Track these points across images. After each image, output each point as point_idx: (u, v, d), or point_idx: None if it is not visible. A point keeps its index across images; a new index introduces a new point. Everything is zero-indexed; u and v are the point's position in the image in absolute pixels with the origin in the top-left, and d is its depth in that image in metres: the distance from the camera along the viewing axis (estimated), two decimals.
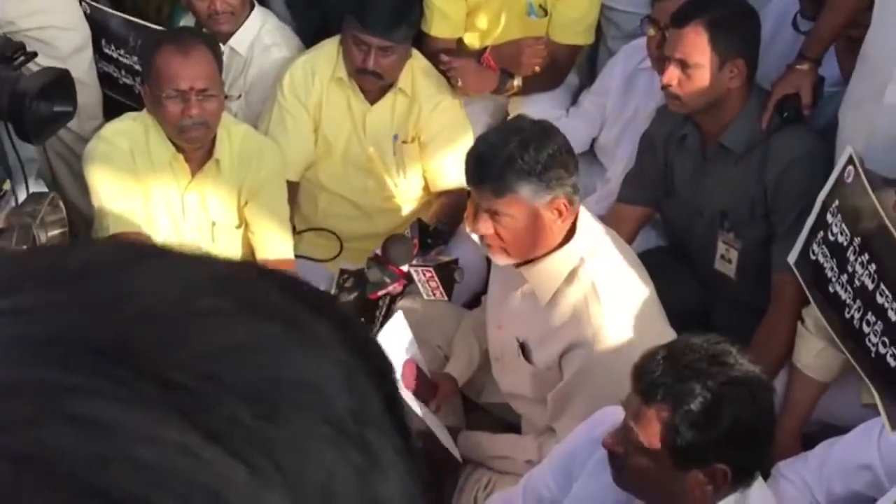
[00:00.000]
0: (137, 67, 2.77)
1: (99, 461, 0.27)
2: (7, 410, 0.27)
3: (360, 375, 0.32)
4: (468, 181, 2.05)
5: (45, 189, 2.64)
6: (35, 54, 2.10)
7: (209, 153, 2.46)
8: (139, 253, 0.33)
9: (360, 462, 0.30)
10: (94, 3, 2.92)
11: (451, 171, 2.80)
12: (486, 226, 1.99)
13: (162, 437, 0.28)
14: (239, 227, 2.57)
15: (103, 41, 2.92)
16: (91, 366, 0.28)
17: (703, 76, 2.31)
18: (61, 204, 2.21)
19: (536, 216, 1.95)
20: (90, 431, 0.27)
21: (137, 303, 0.30)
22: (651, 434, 1.47)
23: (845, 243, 2.04)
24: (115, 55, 2.93)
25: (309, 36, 2.93)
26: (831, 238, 2.10)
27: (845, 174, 2.07)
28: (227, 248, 2.51)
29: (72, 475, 0.27)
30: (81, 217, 2.76)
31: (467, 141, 2.82)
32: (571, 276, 1.98)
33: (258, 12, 2.84)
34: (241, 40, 2.82)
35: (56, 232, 2.17)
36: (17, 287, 0.31)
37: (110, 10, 2.92)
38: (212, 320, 0.31)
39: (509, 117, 2.97)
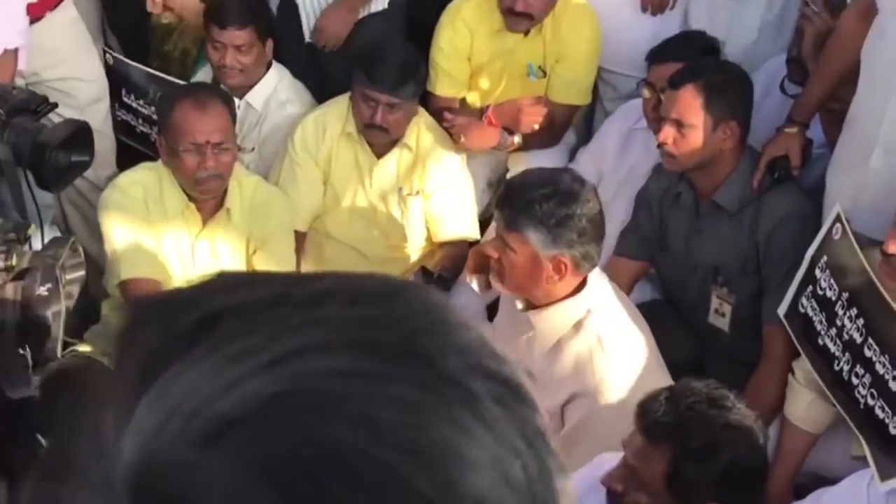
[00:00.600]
0: (155, 117, 2.86)
1: (415, 427, 0.39)
2: (348, 388, 0.40)
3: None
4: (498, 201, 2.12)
5: (58, 234, 2.71)
6: (56, 105, 2.19)
7: (220, 203, 2.54)
8: (398, 285, 0.45)
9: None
10: (116, 55, 3.03)
11: (452, 223, 2.89)
12: (494, 249, 2.06)
13: (451, 416, 0.40)
14: None
15: (123, 91, 3.03)
16: (398, 362, 0.41)
17: (697, 136, 2.42)
18: (80, 248, 2.29)
19: (537, 263, 2.00)
20: (404, 408, 0.40)
21: (415, 320, 0.43)
22: (652, 472, 1.53)
23: (833, 298, 2.13)
24: (134, 105, 3.03)
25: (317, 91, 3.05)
26: (820, 292, 2.19)
27: (833, 231, 2.16)
28: None
29: (394, 438, 0.39)
30: (91, 262, 2.83)
31: (468, 194, 2.93)
32: (577, 326, 2.03)
33: (275, 70, 2.95)
34: (256, 96, 2.93)
35: (76, 275, 2.23)
36: (320, 302, 0.42)
37: (131, 63, 3.02)
38: (463, 332, 0.43)
39: (509, 173, 3.08)
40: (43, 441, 1.71)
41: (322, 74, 3.04)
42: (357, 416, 0.39)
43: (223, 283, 0.45)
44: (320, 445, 0.38)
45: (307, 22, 2.96)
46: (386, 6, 2.98)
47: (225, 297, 0.43)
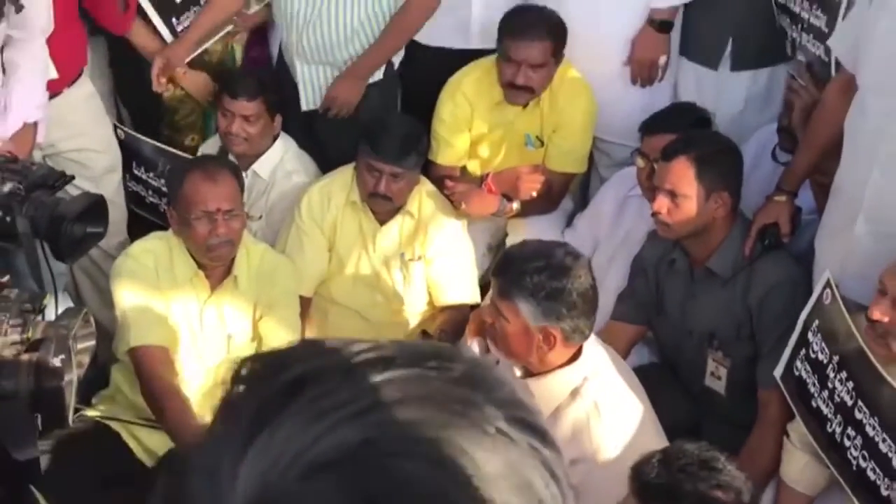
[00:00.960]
0: (164, 189, 2.96)
1: (470, 466, 0.51)
2: (420, 434, 0.52)
3: None
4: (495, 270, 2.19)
5: (70, 302, 2.78)
6: (73, 178, 2.27)
7: (228, 270, 2.61)
8: (447, 350, 0.57)
9: None
10: (127, 130, 3.15)
11: (453, 288, 2.96)
12: (489, 314, 2.12)
13: (499, 458, 0.52)
14: (253, 340, 2.70)
15: (134, 164, 3.14)
16: (456, 413, 0.53)
17: (690, 206, 2.50)
18: (91, 319, 2.35)
19: (527, 333, 2.05)
20: (461, 452, 0.51)
21: (464, 378, 0.55)
22: None
23: (825, 361, 2.19)
24: (144, 177, 3.14)
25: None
26: (812, 355, 2.25)
27: (824, 297, 2.23)
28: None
29: (456, 474, 0.50)
30: (100, 328, 2.89)
31: (469, 259, 3.00)
32: (574, 394, 2.08)
33: (282, 141, 3.06)
34: (264, 166, 3.03)
35: (87, 344, 2.28)
36: (389, 364, 0.54)
37: (142, 137, 3.14)
38: (502, 387, 0.56)
39: (508, 238, 3.16)
40: (40, 497, 1.77)
41: (318, 143, 3.13)
42: (427, 457, 0.51)
43: (301, 352, 0.57)
44: (401, 480, 0.50)
45: (304, 91, 3.05)
46: (381, 77, 3.08)
47: (304, 365, 0.55)
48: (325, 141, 3.11)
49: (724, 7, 2.98)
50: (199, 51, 3.14)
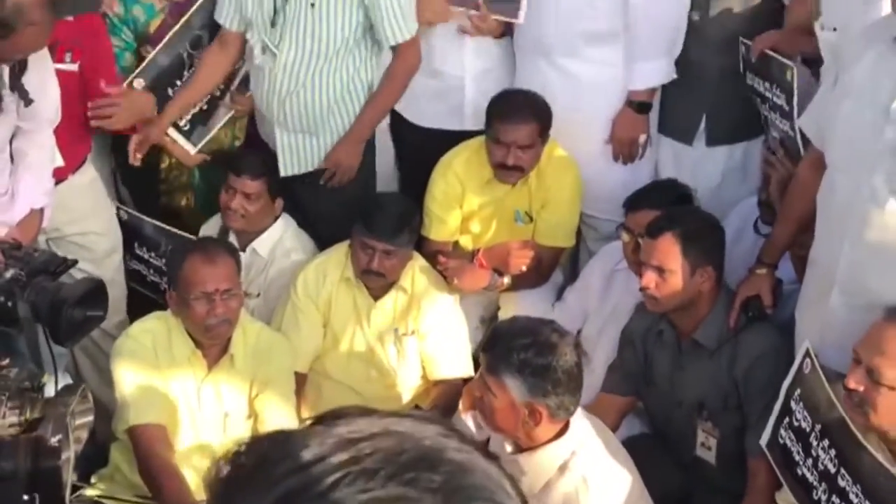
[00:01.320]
0: (165, 268, 3.03)
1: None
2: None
3: None
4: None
5: (69, 380, 2.83)
6: (75, 262, 2.34)
7: (225, 348, 2.67)
8: (433, 451, 0.61)
9: None
10: (129, 211, 3.23)
11: (447, 362, 3.02)
12: (477, 388, 2.17)
13: None
14: (249, 417, 2.74)
15: (136, 244, 3.22)
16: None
17: (677, 281, 2.57)
18: (90, 395, 2.40)
19: (513, 407, 2.10)
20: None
21: (445, 480, 0.60)
22: None
23: (808, 429, 2.23)
24: (146, 256, 3.22)
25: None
26: (796, 424, 2.29)
27: (804, 366, 2.28)
28: (238, 439, 2.67)
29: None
30: (100, 406, 2.93)
31: (462, 334, 3.06)
32: (563, 468, 2.11)
33: (282, 220, 3.14)
34: (263, 244, 3.11)
35: (84, 420, 2.31)
36: (372, 478, 0.58)
37: (144, 218, 3.22)
38: (483, 489, 0.60)
39: (500, 311, 3.23)
40: None
41: (298, 208, 3.20)
42: None
43: (280, 470, 0.60)
44: None
45: (283, 158, 3.09)
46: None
47: (282, 487, 0.58)
48: (305, 206, 3.18)
49: (697, 86, 3.10)
50: (207, 139, 3.23)
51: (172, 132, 3.17)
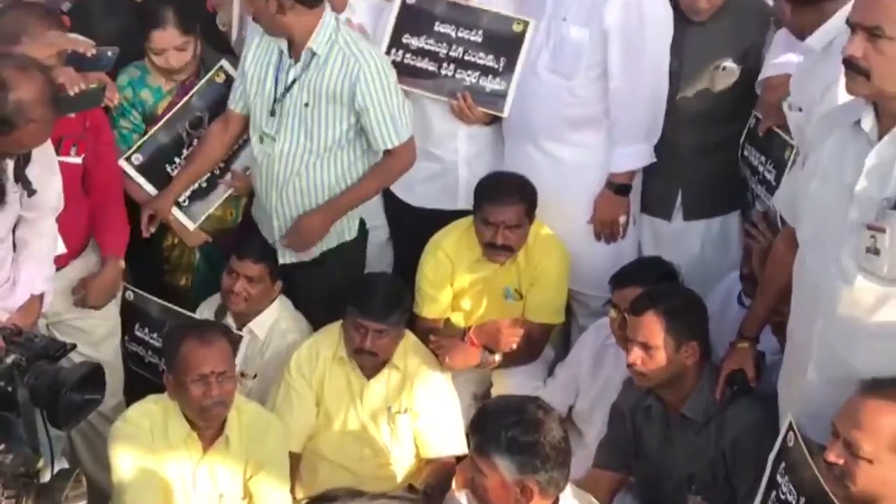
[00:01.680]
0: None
1: None
2: None
3: None
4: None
5: (66, 463, 2.85)
6: (74, 346, 2.39)
7: (220, 430, 2.71)
8: None
9: None
10: (137, 291, 3.27)
11: (440, 441, 3.05)
12: (468, 469, 2.20)
13: None
14: (244, 498, 2.77)
15: (137, 324, 3.27)
16: None
17: (662, 357, 2.62)
18: (83, 479, 2.42)
19: (505, 486, 2.14)
20: None
21: None
22: None
23: (793, 502, 2.25)
24: (146, 338, 3.27)
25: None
26: (782, 497, 2.31)
27: (788, 439, 2.31)
28: None
29: None
30: (96, 489, 2.95)
31: (455, 411, 3.10)
32: None
33: (279, 302, 3.21)
34: (261, 325, 3.18)
35: None
36: None
37: (151, 297, 3.26)
38: None
39: (492, 389, 3.27)
40: None
41: (293, 293, 3.25)
42: None
43: None
44: None
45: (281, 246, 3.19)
46: (354, 236, 3.20)
47: None
48: (300, 289, 3.25)
49: (672, 163, 3.22)
50: (206, 215, 3.31)
51: (172, 208, 3.26)
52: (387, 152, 3.06)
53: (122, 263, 3.07)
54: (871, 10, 1.93)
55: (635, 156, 3.20)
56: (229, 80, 3.24)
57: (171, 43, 3.17)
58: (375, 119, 2.98)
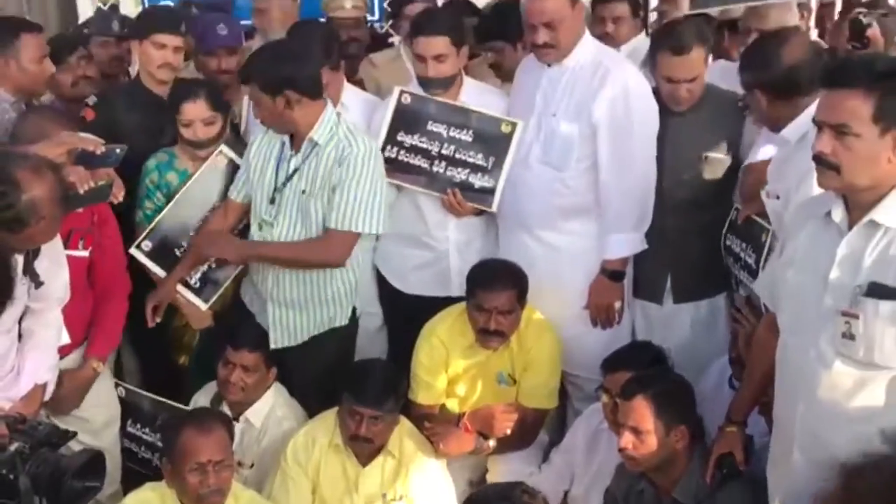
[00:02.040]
0: (158, 444, 3.11)
1: None
2: None
3: None
4: None
5: None
6: (75, 434, 2.43)
7: None
8: None
9: None
10: (128, 387, 3.35)
11: None
12: None
13: None
14: None
15: (130, 420, 3.32)
16: None
17: (652, 441, 2.67)
18: None
19: None
20: None
21: None
22: None
23: None
24: (138, 433, 3.32)
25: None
26: None
27: None
28: None
29: None
30: None
31: (450, 497, 3.12)
32: None
33: (273, 389, 3.26)
34: (257, 413, 3.22)
35: None
36: None
37: (143, 392, 3.33)
38: None
39: (488, 474, 3.30)
40: None
41: (284, 377, 3.29)
42: None
43: None
44: None
45: (274, 332, 3.22)
46: (346, 322, 3.27)
47: None
48: (293, 374, 3.30)
49: (660, 247, 3.32)
50: (217, 295, 3.37)
51: (183, 290, 3.34)
52: (326, 231, 3.10)
53: (102, 368, 3.10)
54: (836, 109, 2.04)
55: (627, 242, 3.30)
56: (231, 163, 3.35)
57: (199, 115, 3.31)
58: (340, 196, 3.05)
